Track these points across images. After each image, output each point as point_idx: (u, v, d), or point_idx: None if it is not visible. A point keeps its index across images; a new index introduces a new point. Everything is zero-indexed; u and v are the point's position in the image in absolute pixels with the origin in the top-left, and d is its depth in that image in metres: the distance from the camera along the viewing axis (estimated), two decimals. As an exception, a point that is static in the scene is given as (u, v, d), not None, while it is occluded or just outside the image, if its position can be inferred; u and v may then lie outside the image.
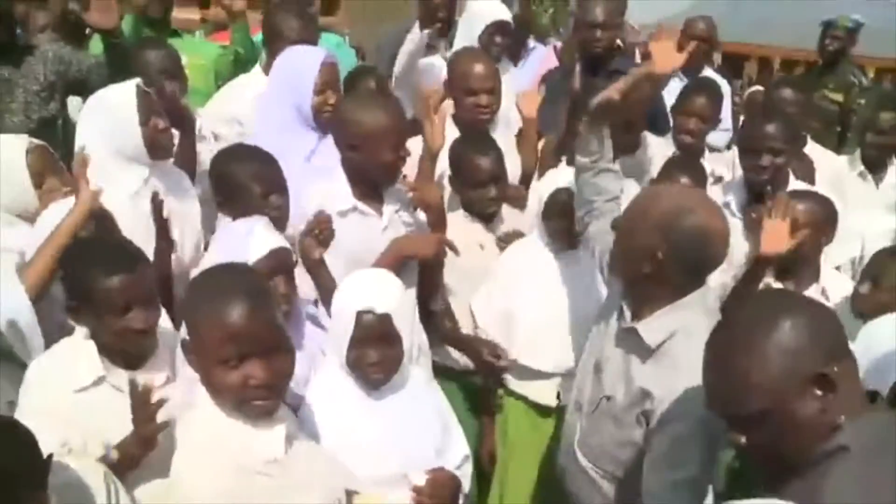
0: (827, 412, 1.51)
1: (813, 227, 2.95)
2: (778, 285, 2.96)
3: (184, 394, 2.01)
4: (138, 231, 2.59)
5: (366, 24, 4.90)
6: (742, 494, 1.41)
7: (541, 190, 3.09)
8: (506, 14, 4.02)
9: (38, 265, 2.39)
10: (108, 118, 2.75)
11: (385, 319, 2.20)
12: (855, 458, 1.47)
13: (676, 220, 2.15)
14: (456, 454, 2.43)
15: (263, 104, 3.25)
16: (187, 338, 1.84)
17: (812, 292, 2.97)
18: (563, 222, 2.92)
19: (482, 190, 3.12)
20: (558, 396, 3.05)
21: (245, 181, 2.67)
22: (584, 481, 2.40)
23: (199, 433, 1.81)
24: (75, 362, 2.08)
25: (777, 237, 2.76)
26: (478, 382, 3.15)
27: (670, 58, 2.83)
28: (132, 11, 4.12)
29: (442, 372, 3.02)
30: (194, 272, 2.35)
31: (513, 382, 3.11)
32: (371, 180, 2.82)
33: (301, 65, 3.18)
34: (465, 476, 2.45)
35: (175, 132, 2.97)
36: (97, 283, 2.03)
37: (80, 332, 2.13)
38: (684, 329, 2.16)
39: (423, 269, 2.89)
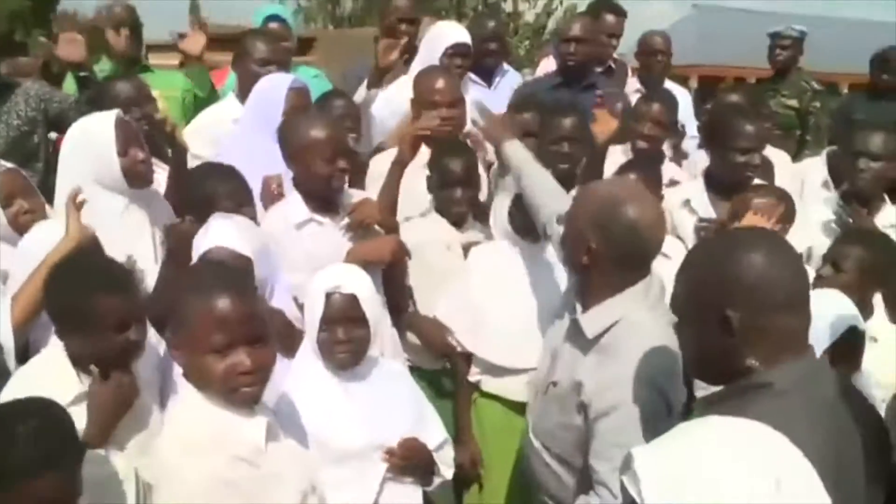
0: (729, 350, 1.64)
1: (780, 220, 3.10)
2: None
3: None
4: (120, 257, 2.67)
5: (339, 63, 5.09)
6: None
7: (502, 189, 3.22)
8: (465, 37, 4.13)
9: (28, 293, 2.44)
10: (87, 147, 2.85)
11: (351, 299, 2.35)
12: (777, 394, 1.58)
13: (607, 211, 2.24)
14: (434, 437, 2.54)
15: (239, 129, 3.40)
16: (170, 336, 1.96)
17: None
18: (528, 217, 3.05)
19: (449, 191, 3.26)
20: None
21: (216, 197, 2.76)
22: (539, 464, 2.49)
23: (187, 424, 1.91)
24: (53, 379, 2.14)
25: None
26: (448, 383, 3.25)
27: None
28: (112, 56, 4.33)
29: (414, 372, 3.09)
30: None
31: (485, 382, 3.18)
32: (319, 191, 2.96)
33: (270, 91, 3.34)
34: (445, 461, 2.56)
35: (155, 161, 3.07)
36: (94, 302, 2.12)
37: (57, 346, 2.21)
38: (624, 321, 2.24)
39: (386, 270, 3.02)
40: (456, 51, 4.02)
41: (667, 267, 2.53)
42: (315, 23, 19.82)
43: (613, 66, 4.88)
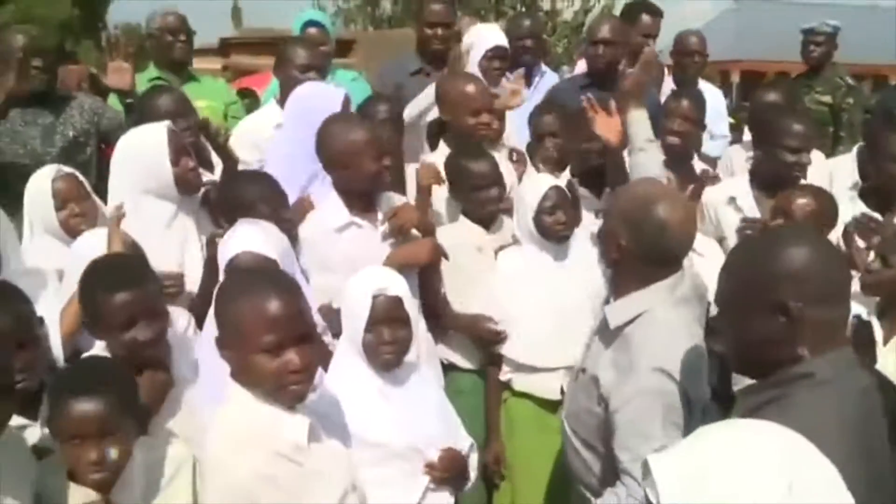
0: (785, 340, 1.70)
1: (821, 223, 3.11)
2: None
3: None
4: (168, 263, 2.83)
5: (379, 64, 5.18)
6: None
7: (526, 192, 3.29)
8: (502, 39, 4.18)
9: (73, 303, 2.49)
10: (139, 157, 2.95)
11: (397, 301, 2.43)
12: (817, 384, 1.65)
13: (637, 210, 2.32)
14: (463, 441, 2.62)
15: (280, 135, 3.47)
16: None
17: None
18: (555, 216, 3.16)
19: (480, 192, 3.32)
20: (562, 391, 3.17)
21: (251, 203, 2.81)
22: (569, 448, 2.58)
23: (234, 421, 1.96)
24: None
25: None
26: (482, 378, 3.33)
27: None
28: (160, 65, 4.48)
29: (449, 370, 3.25)
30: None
31: (516, 381, 3.27)
32: (362, 193, 3.05)
33: (318, 99, 3.35)
34: (473, 465, 2.63)
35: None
36: (102, 300, 2.22)
37: (99, 345, 2.34)
38: (648, 314, 2.30)
39: (422, 274, 3.11)
40: (495, 53, 4.07)
41: (701, 265, 2.70)
42: (355, 24, 19.96)
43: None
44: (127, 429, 1.99)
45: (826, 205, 3.23)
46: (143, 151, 2.95)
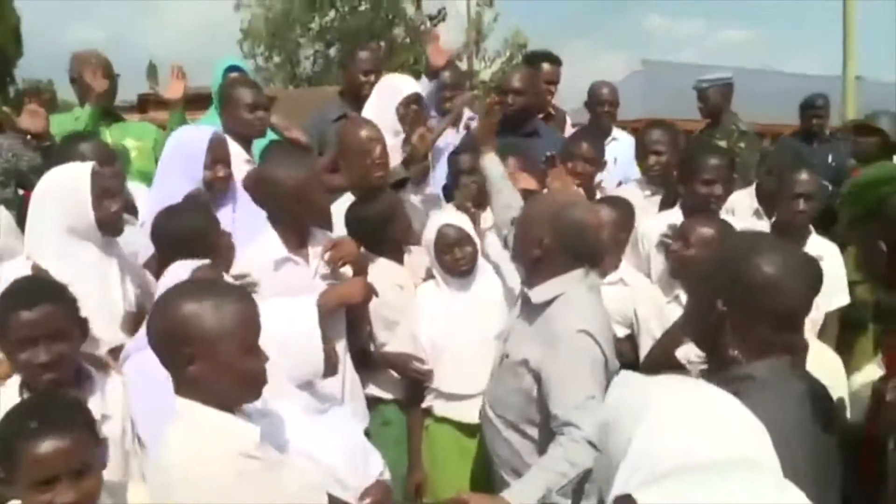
0: (717, 335, 1.89)
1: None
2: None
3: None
4: (89, 305, 2.69)
5: (299, 120, 5.31)
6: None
7: (426, 231, 3.44)
8: (416, 87, 4.35)
9: None
10: (60, 197, 2.90)
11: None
12: (757, 387, 1.79)
13: (560, 212, 2.71)
14: (377, 466, 2.62)
15: (158, 180, 3.45)
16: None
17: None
18: (452, 254, 3.33)
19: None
20: (480, 415, 3.30)
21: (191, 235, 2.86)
22: (493, 432, 2.78)
23: (194, 432, 1.95)
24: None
25: None
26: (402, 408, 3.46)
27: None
28: (93, 102, 4.34)
29: (374, 403, 3.37)
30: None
31: (437, 407, 3.40)
32: (304, 228, 3.17)
33: (189, 144, 3.38)
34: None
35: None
36: (5, 317, 2.28)
37: (15, 379, 2.37)
38: (565, 295, 2.66)
39: (350, 312, 3.19)
40: (411, 99, 4.24)
41: (621, 293, 3.20)
42: (274, 83, 20.17)
43: (554, 112, 5.14)
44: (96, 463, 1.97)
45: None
46: (67, 189, 2.92)
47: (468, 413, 3.33)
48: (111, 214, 2.95)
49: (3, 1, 21.40)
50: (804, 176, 3.96)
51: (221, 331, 1.94)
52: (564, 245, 2.69)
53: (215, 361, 1.95)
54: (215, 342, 1.94)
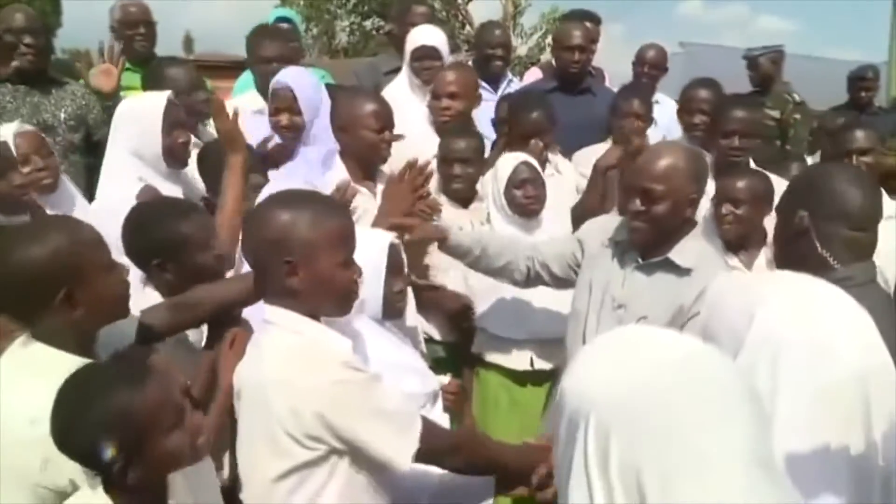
0: (805, 243, 2.05)
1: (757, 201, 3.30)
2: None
3: None
4: None
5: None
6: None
7: (498, 167, 3.43)
8: (429, 40, 4.15)
9: None
10: (134, 122, 3.01)
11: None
12: (857, 287, 1.80)
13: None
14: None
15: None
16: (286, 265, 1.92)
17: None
18: (525, 189, 3.33)
19: (447, 168, 3.47)
20: (531, 363, 3.36)
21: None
22: None
23: (294, 340, 1.93)
24: None
25: None
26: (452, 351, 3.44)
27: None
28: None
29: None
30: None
31: (487, 353, 3.40)
32: (366, 162, 3.22)
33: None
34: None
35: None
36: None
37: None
38: (703, 251, 2.74)
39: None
40: (422, 53, 4.09)
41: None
42: (310, 54, 20.17)
43: (593, 72, 5.11)
44: None
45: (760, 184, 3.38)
46: (140, 115, 3.02)
47: (518, 360, 3.36)
48: (178, 145, 3.04)
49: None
50: (859, 133, 3.85)
51: (322, 241, 1.95)
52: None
53: (315, 272, 1.95)
54: (317, 252, 1.95)
